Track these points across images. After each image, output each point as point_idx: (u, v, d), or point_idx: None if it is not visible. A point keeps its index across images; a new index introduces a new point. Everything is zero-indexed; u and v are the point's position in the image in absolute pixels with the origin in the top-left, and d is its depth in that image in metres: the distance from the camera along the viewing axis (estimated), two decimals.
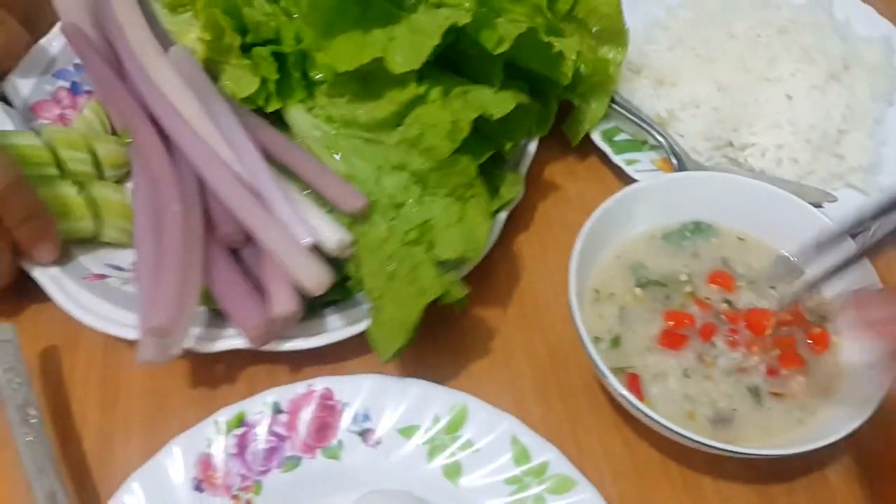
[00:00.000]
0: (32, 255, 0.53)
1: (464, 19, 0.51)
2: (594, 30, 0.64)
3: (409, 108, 0.52)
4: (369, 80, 0.53)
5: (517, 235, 0.61)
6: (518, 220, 0.61)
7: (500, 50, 0.53)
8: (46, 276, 0.53)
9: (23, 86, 0.62)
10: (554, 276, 0.59)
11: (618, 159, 0.62)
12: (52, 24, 0.66)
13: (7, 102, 0.60)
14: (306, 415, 0.50)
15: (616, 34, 0.64)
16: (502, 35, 0.53)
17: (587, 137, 0.65)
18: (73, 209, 0.55)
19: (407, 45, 0.51)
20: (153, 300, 0.48)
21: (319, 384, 0.51)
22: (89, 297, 0.52)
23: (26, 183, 0.51)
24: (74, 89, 0.64)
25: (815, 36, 0.65)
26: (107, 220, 0.56)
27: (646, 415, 0.45)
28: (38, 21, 0.66)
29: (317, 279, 0.48)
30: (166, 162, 0.53)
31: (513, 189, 0.58)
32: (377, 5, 0.53)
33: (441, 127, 0.51)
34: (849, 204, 0.59)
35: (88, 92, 0.64)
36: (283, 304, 0.49)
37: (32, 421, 0.48)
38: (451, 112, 0.52)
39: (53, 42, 0.65)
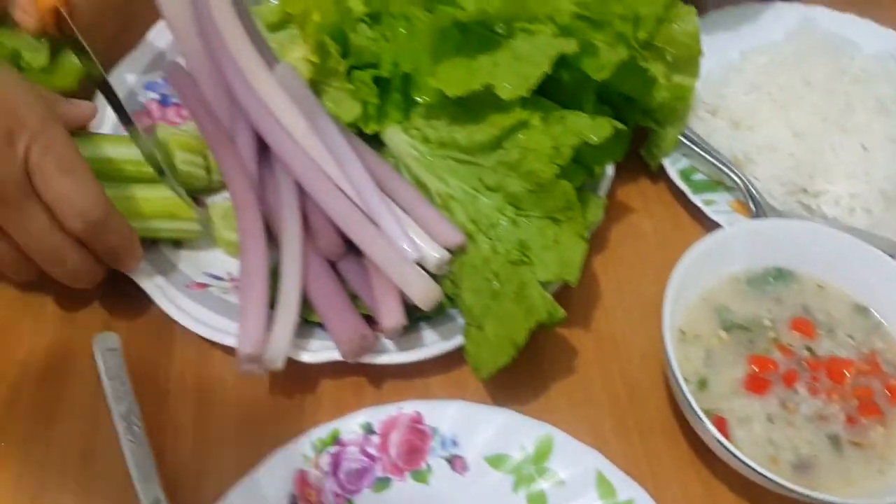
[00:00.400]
0: (115, 267, 0.54)
1: (571, 48, 0.53)
2: (669, 57, 0.66)
3: (510, 132, 0.54)
4: (470, 104, 0.55)
5: (592, 262, 0.63)
6: (594, 246, 0.63)
7: (601, 77, 0.55)
8: (153, 285, 0.54)
9: (129, 80, 0.64)
10: (630, 311, 0.60)
11: (696, 199, 0.63)
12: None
13: (112, 96, 0.60)
14: (396, 437, 0.51)
15: (691, 62, 0.66)
16: (604, 62, 0.55)
17: (659, 170, 0.66)
18: (179, 211, 0.56)
19: (513, 72, 0.53)
20: (245, 326, 0.50)
21: (409, 407, 0.52)
22: (192, 305, 0.54)
23: (115, 213, 0.51)
24: (164, 101, 0.65)
25: (890, 86, 0.66)
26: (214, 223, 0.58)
27: (736, 458, 0.46)
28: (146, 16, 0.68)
29: (427, 294, 0.50)
30: (248, 191, 0.54)
31: (596, 212, 0.58)
32: (476, 31, 0.55)
33: (542, 152, 0.53)
34: None
35: (177, 105, 0.65)
36: (392, 317, 0.50)
37: (136, 429, 0.49)
38: (552, 137, 0.53)
39: (141, 58, 0.66)
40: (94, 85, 0.60)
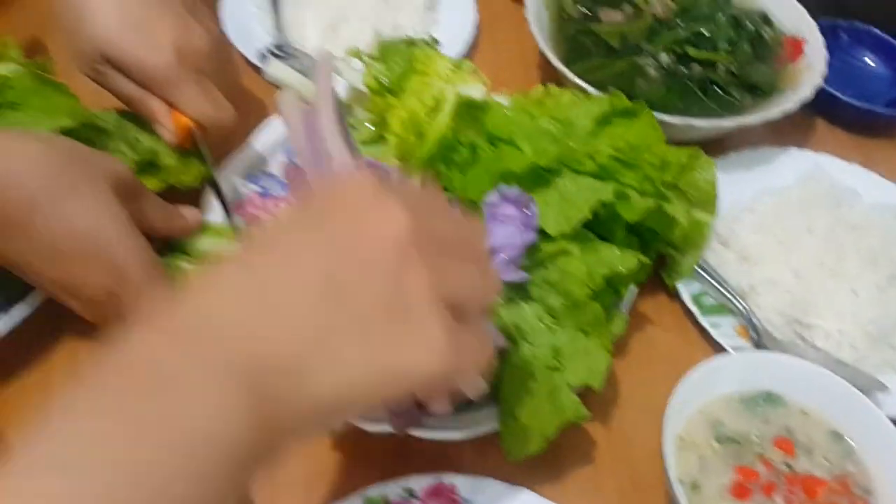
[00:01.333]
0: None
1: (608, 197, 0.64)
2: (690, 197, 0.77)
3: (553, 256, 0.64)
4: None
5: (612, 365, 0.73)
6: (614, 351, 0.72)
7: (632, 219, 0.66)
8: None
9: (234, 181, 0.76)
10: (641, 412, 0.70)
11: (704, 321, 0.74)
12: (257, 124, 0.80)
13: (221, 195, 0.73)
14: None
15: (709, 202, 0.77)
16: (635, 207, 0.66)
17: (675, 293, 0.77)
18: None
19: (559, 212, 0.64)
20: None
21: (447, 479, 0.62)
22: None
23: None
24: (264, 193, 0.77)
25: (881, 240, 0.77)
26: None
27: None
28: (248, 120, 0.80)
29: (478, 388, 0.60)
30: None
31: (619, 326, 0.68)
32: (537, 172, 0.66)
33: (578, 276, 0.63)
34: None
35: (274, 197, 0.77)
36: (441, 405, 0.60)
37: None
38: (587, 265, 0.63)
39: (247, 154, 0.79)
40: (209, 183, 0.72)
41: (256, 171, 0.79)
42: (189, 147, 0.72)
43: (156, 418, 0.34)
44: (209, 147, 0.73)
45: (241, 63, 0.92)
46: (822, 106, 0.93)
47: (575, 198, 0.65)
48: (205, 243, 0.67)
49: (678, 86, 0.86)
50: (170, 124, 0.69)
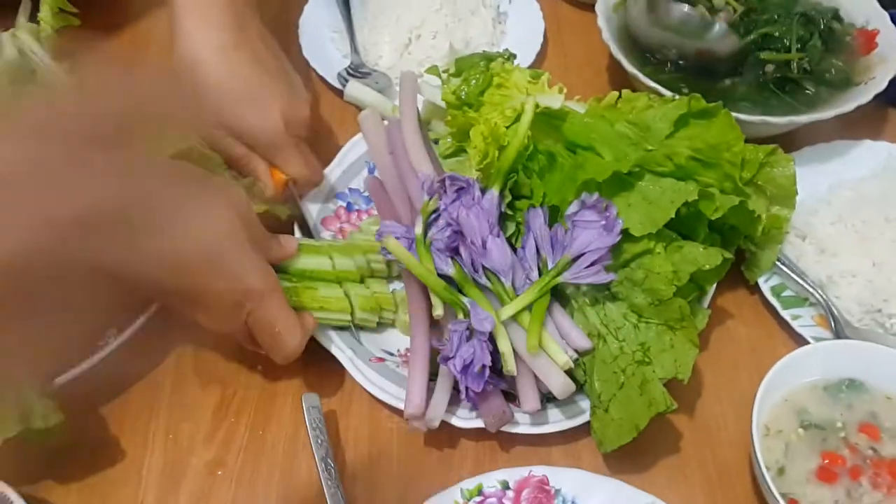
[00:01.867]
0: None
1: (692, 196, 0.66)
2: (769, 193, 0.78)
3: (637, 256, 0.67)
4: None
5: (696, 359, 0.75)
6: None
7: (715, 216, 0.68)
8: (346, 358, 0.70)
9: (313, 209, 0.81)
10: (723, 403, 0.72)
11: (785, 314, 0.75)
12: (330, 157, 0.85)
13: (303, 221, 0.79)
14: (527, 494, 0.65)
15: (787, 198, 0.78)
16: (718, 205, 0.68)
17: (756, 287, 0.78)
18: (332, 303, 0.71)
19: (643, 213, 0.66)
20: (410, 393, 0.65)
21: (538, 471, 0.65)
22: (373, 374, 0.69)
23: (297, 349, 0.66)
24: (349, 208, 0.83)
25: None
26: (358, 311, 0.73)
27: None
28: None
29: (563, 388, 0.63)
30: (417, 281, 0.69)
31: (701, 321, 0.70)
32: (619, 177, 0.69)
33: (663, 275, 0.65)
34: None
35: (358, 211, 0.82)
36: (530, 403, 0.64)
37: (331, 469, 0.64)
38: (672, 263, 0.66)
39: (332, 172, 0.84)
40: (299, 224, 0.79)
41: (343, 187, 0.84)
42: (281, 200, 0.78)
43: None
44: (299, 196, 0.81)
45: (321, 86, 0.97)
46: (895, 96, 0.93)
47: (659, 199, 0.67)
48: (301, 262, 0.72)
49: (754, 84, 0.88)
50: (269, 181, 0.76)
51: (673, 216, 0.65)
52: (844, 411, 0.66)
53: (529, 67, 0.93)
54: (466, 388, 0.63)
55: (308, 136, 0.80)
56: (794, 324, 0.75)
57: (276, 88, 0.75)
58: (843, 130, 0.90)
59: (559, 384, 0.64)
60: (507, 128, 0.74)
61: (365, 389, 0.70)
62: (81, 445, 0.69)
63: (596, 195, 0.67)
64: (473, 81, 0.81)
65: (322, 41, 1.01)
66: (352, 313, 0.72)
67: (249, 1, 0.77)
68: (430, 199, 0.71)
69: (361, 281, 0.75)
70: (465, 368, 0.62)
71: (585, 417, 0.67)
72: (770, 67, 0.88)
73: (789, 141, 0.86)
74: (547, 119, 0.77)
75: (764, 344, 0.75)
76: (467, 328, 0.64)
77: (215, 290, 0.61)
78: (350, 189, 0.84)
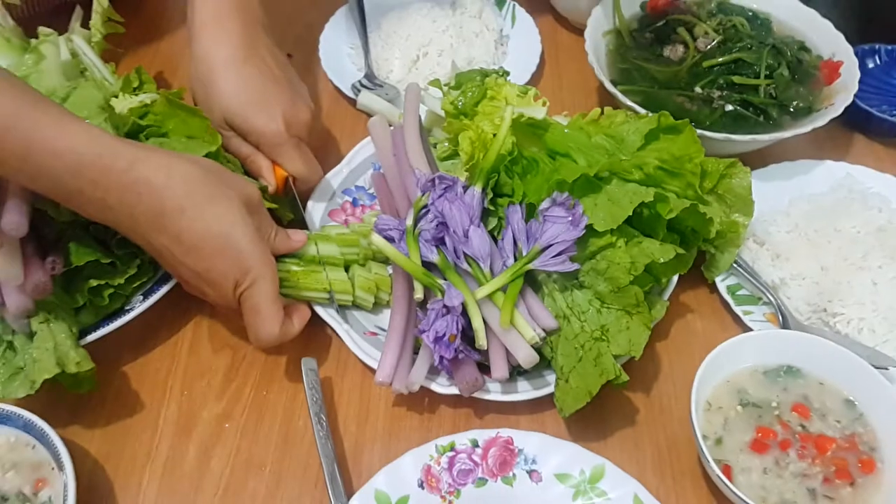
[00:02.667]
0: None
1: (647, 197, 0.75)
2: (728, 201, 0.87)
3: (602, 249, 0.76)
4: None
5: (656, 346, 0.84)
6: (654, 335, 0.83)
7: (669, 216, 0.76)
8: (343, 330, 0.79)
9: (316, 209, 0.91)
10: (676, 386, 0.81)
11: (738, 309, 0.84)
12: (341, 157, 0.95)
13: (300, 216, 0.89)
14: (494, 452, 0.73)
15: (745, 206, 0.87)
16: (672, 207, 0.77)
17: (714, 286, 0.87)
18: (337, 285, 0.81)
19: (607, 211, 0.75)
20: (382, 363, 0.75)
21: (504, 433, 0.74)
22: (366, 345, 0.79)
23: (280, 336, 0.75)
24: (354, 203, 0.93)
25: None
26: (358, 290, 0.82)
27: (735, 495, 0.66)
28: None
29: (528, 358, 0.72)
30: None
31: (660, 310, 0.79)
32: (589, 180, 0.78)
33: (622, 265, 0.74)
34: None
35: (363, 206, 0.92)
36: (499, 371, 0.73)
37: (323, 423, 0.73)
38: (630, 256, 0.74)
39: (342, 170, 0.94)
40: (297, 219, 0.88)
41: (350, 184, 0.94)
42: (282, 194, 0.88)
43: None
44: (299, 193, 0.89)
45: (337, 95, 1.08)
46: (861, 122, 1.03)
47: (621, 199, 0.77)
48: (312, 248, 0.82)
49: (720, 109, 0.97)
50: (272, 177, 0.86)
51: (631, 214, 0.74)
52: (780, 393, 0.75)
53: (526, 85, 1.02)
54: (441, 357, 0.72)
55: (311, 141, 0.89)
56: (746, 318, 0.83)
57: (280, 95, 0.85)
58: (810, 151, 0.99)
59: (525, 355, 0.72)
60: (495, 135, 0.84)
61: (359, 359, 0.79)
62: (106, 397, 0.79)
63: (566, 194, 0.76)
64: (470, 93, 0.91)
65: (340, 56, 1.12)
66: (353, 294, 0.81)
67: (259, 22, 0.87)
68: (423, 195, 0.81)
69: (363, 264, 0.85)
70: (438, 339, 0.71)
71: (551, 389, 0.76)
72: (735, 97, 0.97)
73: (760, 159, 0.96)
74: (532, 129, 0.86)
75: (718, 336, 0.83)
76: (444, 306, 0.73)
77: (220, 268, 0.71)
78: (356, 186, 0.94)
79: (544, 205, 0.76)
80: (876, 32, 1.10)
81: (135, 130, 0.84)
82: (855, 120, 1.02)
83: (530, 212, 0.79)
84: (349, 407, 0.79)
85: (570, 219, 0.74)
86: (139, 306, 0.80)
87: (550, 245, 0.75)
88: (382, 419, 0.78)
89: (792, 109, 0.96)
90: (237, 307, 0.74)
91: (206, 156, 0.81)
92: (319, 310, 0.81)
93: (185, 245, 0.71)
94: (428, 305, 0.74)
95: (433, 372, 0.77)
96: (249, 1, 0.87)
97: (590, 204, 0.76)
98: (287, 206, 0.89)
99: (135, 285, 0.80)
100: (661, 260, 0.75)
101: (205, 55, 0.84)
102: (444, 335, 0.71)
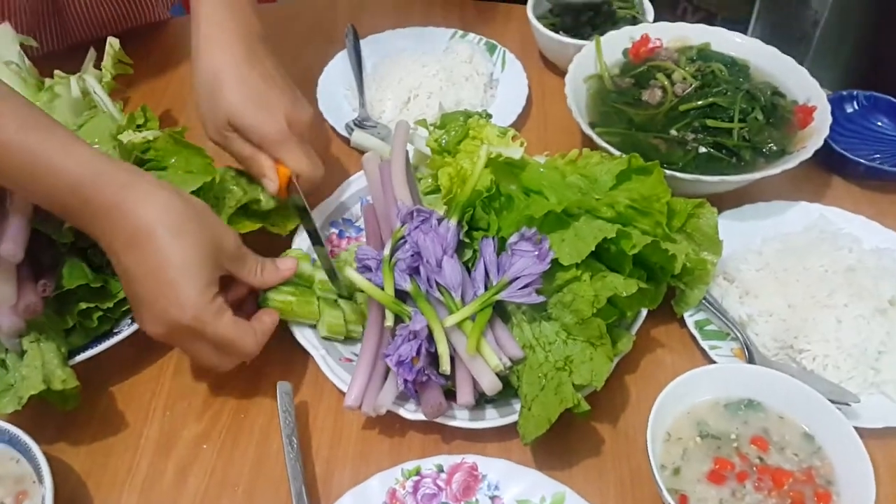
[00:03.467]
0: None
1: (610, 234, 0.78)
2: (697, 240, 0.90)
3: (568, 282, 0.79)
4: None
5: (621, 379, 0.86)
6: (624, 367, 0.86)
7: (632, 252, 0.79)
8: (319, 356, 0.82)
9: (303, 238, 0.94)
10: (640, 417, 0.82)
11: (704, 344, 0.86)
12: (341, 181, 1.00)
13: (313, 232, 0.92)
14: (458, 477, 0.75)
15: (713, 244, 0.89)
16: (635, 243, 0.79)
17: (683, 321, 0.89)
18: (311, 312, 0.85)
19: (572, 246, 0.78)
20: (351, 388, 0.77)
21: (470, 459, 0.76)
22: (341, 371, 0.82)
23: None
24: (340, 234, 0.96)
25: (872, 278, 0.87)
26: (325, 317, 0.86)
27: None
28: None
29: (492, 385, 0.75)
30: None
31: (626, 343, 0.82)
32: (558, 216, 0.81)
33: (587, 298, 0.77)
34: (882, 408, 0.81)
35: (348, 237, 0.96)
36: (465, 397, 0.76)
37: (294, 444, 0.76)
38: (594, 289, 0.77)
39: (333, 202, 0.98)
40: (302, 217, 0.92)
41: (338, 216, 0.98)
42: (286, 196, 0.91)
43: None
44: (302, 193, 0.92)
45: (331, 134, 1.13)
46: (837, 164, 1.05)
47: (586, 235, 0.80)
48: (306, 267, 0.87)
49: (693, 151, 1.00)
50: (274, 176, 0.89)
51: (594, 249, 0.77)
52: (740, 426, 0.76)
53: (511, 126, 1.06)
54: (405, 381, 0.75)
55: (312, 142, 0.92)
56: (713, 353, 0.85)
57: (282, 96, 0.88)
58: (786, 192, 1.01)
59: (489, 382, 0.75)
60: (472, 171, 0.87)
61: (334, 385, 0.82)
62: (93, 416, 0.83)
63: (534, 229, 0.79)
64: (453, 132, 0.95)
65: (336, 97, 1.17)
66: (346, 328, 0.85)
67: (258, 34, 0.90)
68: (402, 226, 0.84)
69: (350, 297, 0.88)
70: (401, 362, 0.74)
71: (517, 417, 0.78)
72: (708, 140, 1.00)
73: (732, 200, 0.99)
74: (510, 168, 0.90)
75: (685, 369, 0.84)
76: (410, 331, 0.76)
77: (159, 307, 0.74)
78: (343, 219, 0.98)
79: (513, 239, 0.79)
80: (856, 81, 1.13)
81: (136, 163, 0.89)
82: (831, 163, 1.05)
83: (502, 245, 0.83)
84: (323, 430, 0.82)
85: (536, 253, 0.77)
86: (127, 329, 0.84)
87: (518, 277, 0.78)
88: (354, 443, 0.81)
89: (766, 152, 0.99)
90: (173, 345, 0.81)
91: (202, 186, 0.86)
92: (298, 335, 0.84)
93: (143, 268, 0.73)
94: (396, 331, 0.77)
95: (403, 398, 0.80)
96: (249, 17, 0.90)
97: (557, 239, 0.80)
98: (291, 206, 0.92)
99: (123, 309, 0.84)
100: (624, 294, 0.77)
101: (210, 62, 0.87)
102: (408, 359, 0.74)
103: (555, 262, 0.78)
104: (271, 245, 0.90)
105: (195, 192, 0.82)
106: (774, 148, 0.99)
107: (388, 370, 0.79)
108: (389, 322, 0.79)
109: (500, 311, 0.81)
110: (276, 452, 0.80)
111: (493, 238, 0.82)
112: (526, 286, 0.77)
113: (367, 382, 0.78)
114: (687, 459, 0.74)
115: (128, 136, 0.90)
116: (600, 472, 0.79)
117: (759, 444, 0.75)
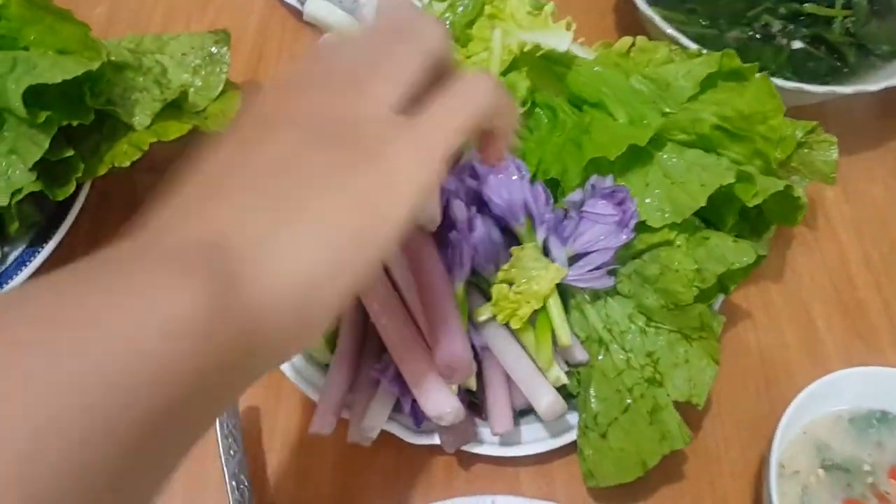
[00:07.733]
0: None
1: (728, 179, 0.54)
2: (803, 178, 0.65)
3: (651, 247, 0.55)
4: None
5: None
6: None
7: (753, 203, 0.55)
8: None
9: None
10: (725, 428, 0.61)
11: None
12: None
13: None
14: None
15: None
16: (759, 190, 0.55)
17: (769, 283, 0.67)
18: None
19: (665, 197, 0.54)
20: (319, 404, 0.53)
21: (501, 501, 0.53)
22: (309, 371, 0.56)
23: None
24: None
25: None
26: None
27: None
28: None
29: (554, 408, 0.51)
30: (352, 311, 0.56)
31: (715, 330, 0.58)
32: (635, 150, 0.55)
33: (683, 274, 0.53)
34: None
35: None
36: (502, 424, 0.52)
37: (243, 489, 0.51)
38: (695, 260, 0.54)
39: None
40: None
41: None
42: None
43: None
44: None
45: (275, 3, 0.81)
46: None
47: (685, 180, 0.55)
48: None
49: (786, 49, 0.74)
50: None
51: (704, 204, 0.52)
52: (873, 451, 0.56)
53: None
54: (412, 403, 0.50)
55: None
56: None
57: None
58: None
59: (548, 405, 0.51)
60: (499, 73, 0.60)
61: (303, 393, 0.56)
62: None
63: (610, 179, 0.53)
64: (461, 8, 0.66)
65: None
66: None
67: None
68: None
69: None
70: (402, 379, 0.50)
71: (568, 438, 0.55)
72: (805, 31, 0.75)
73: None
74: (548, 64, 0.63)
75: (777, 354, 0.64)
76: None
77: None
78: None
79: (575, 196, 0.54)
80: None
81: None
82: None
83: (553, 188, 0.57)
84: (283, 454, 0.57)
85: (617, 217, 0.52)
86: None
87: (588, 253, 0.53)
88: (331, 474, 0.56)
89: (878, 52, 0.74)
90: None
91: (87, 73, 0.56)
92: None
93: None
94: None
95: (400, 408, 0.55)
96: None
97: (638, 184, 0.55)
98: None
99: None
100: (738, 267, 0.54)
101: None
102: None
103: None
104: None
105: (72, 84, 0.55)
106: (886, 48, 0.74)
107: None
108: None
109: None
110: (214, 491, 0.54)
111: (540, 184, 0.56)
112: (598, 267, 0.52)
113: (342, 397, 0.52)
114: (807, 501, 0.53)
115: None
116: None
117: None
